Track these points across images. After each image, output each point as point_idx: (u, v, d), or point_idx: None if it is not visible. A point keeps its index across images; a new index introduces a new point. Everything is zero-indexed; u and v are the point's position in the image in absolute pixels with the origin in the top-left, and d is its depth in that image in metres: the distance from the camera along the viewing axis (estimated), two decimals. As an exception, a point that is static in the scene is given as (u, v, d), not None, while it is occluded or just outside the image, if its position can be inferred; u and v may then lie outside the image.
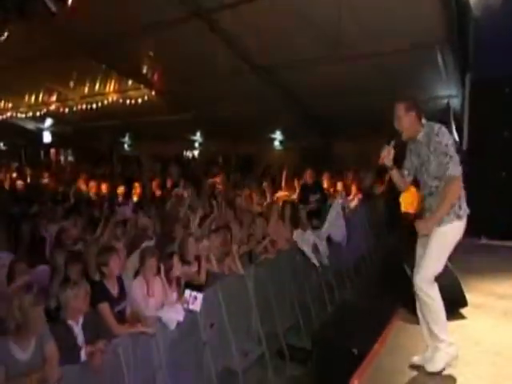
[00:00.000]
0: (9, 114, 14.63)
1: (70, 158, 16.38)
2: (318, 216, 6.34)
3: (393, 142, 2.89)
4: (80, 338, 3.03)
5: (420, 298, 2.88)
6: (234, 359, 3.99)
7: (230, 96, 9.60)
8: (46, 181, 10.13)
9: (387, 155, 2.86)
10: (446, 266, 4.01)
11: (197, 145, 14.19)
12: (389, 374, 2.95)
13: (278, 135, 12.12)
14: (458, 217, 2.77)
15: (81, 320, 3.08)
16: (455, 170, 2.67)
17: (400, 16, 5.86)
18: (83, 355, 2.85)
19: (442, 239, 2.78)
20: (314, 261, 5.26)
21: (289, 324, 4.90)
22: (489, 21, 5.58)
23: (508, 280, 4.59)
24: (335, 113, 9.33)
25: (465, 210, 2.81)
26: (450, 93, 7.80)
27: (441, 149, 2.69)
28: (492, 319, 3.73)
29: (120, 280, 3.61)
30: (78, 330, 3.05)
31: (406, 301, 3.98)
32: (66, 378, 2.69)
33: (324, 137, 10.88)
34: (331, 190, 7.62)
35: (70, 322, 3.01)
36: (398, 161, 2.93)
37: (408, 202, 7.00)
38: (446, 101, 7.66)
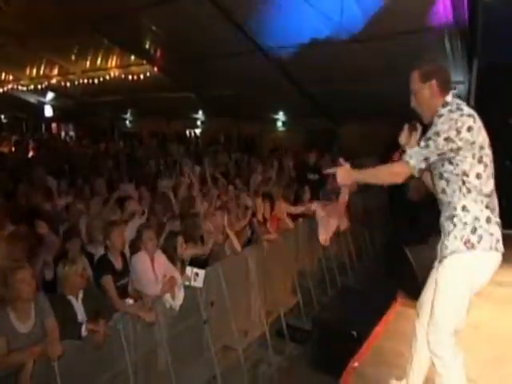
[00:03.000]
0: (10, 86, 14.35)
1: (71, 133, 16.17)
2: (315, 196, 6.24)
3: (417, 125, 2.20)
4: (80, 314, 3.00)
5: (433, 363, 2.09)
6: (234, 338, 3.98)
7: (233, 75, 9.39)
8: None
9: (404, 135, 2.21)
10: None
11: (199, 123, 14.00)
12: (388, 357, 2.94)
13: (281, 116, 11.93)
14: (471, 246, 1.91)
15: (80, 295, 3.04)
16: (415, 158, 1.95)
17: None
18: (84, 332, 2.81)
19: (447, 277, 1.99)
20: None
21: (290, 305, 4.89)
22: (498, 6, 5.39)
23: (507, 268, 4.56)
24: (340, 96, 9.15)
25: (486, 241, 1.90)
26: (457, 79, 7.62)
27: (428, 135, 1.96)
28: (491, 306, 3.70)
29: (124, 255, 3.56)
30: (77, 305, 3.02)
31: (407, 285, 3.97)
32: (66, 352, 2.65)
33: (328, 119, 10.71)
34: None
35: (69, 296, 2.97)
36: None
37: (413, 188, 6.97)
38: (452, 87, 7.47)
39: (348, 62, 7.41)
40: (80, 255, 3.54)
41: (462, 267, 1.95)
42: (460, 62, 7.05)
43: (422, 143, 1.95)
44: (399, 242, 4.86)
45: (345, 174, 2.10)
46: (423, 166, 1.95)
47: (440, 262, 2.04)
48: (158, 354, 3.43)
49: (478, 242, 1.90)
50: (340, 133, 10.67)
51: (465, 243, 1.92)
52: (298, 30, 7.02)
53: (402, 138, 2.22)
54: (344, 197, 5.06)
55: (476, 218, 1.92)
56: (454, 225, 1.96)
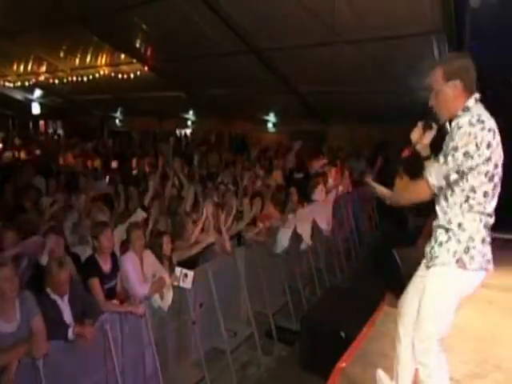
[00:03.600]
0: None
1: (60, 131, 15.94)
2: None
3: (433, 124, 2.03)
4: (66, 314, 2.96)
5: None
6: (223, 339, 3.97)
7: (224, 76, 9.39)
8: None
9: (416, 132, 2.05)
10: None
11: (189, 123, 13.95)
12: (376, 357, 2.96)
13: (271, 117, 11.96)
14: (462, 265, 1.87)
15: (67, 295, 2.99)
16: (435, 176, 1.86)
17: (397, 4, 5.72)
18: (70, 334, 2.77)
19: (435, 285, 1.96)
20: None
21: (278, 306, 4.91)
22: (485, 12, 5.48)
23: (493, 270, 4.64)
24: (329, 98, 9.22)
25: (477, 262, 1.86)
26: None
27: (447, 150, 1.83)
28: (477, 307, 3.76)
29: (114, 256, 3.52)
30: (63, 305, 2.97)
31: (394, 286, 4.01)
32: (53, 353, 2.62)
33: (318, 121, 10.77)
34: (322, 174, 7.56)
35: (54, 296, 2.93)
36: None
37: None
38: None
39: (338, 63, 7.47)
40: (65, 255, 3.48)
41: (450, 280, 1.93)
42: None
43: (441, 159, 1.85)
44: (387, 243, 4.92)
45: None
46: (443, 184, 1.86)
47: (428, 268, 2.01)
48: (145, 356, 3.40)
49: (470, 264, 1.86)
50: (329, 134, 10.75)
51: (457, 261, 1.88)
52: (289, 31, 7.06)
53: (414, 136, 2.07)
54: None
55: (471, 238, 1.87)
56: (449, 238, 1.91)
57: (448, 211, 1.91)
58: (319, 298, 5.16)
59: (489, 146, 1.78)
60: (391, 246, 4.32)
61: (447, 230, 1.91)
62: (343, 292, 4.87)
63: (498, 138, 1.84)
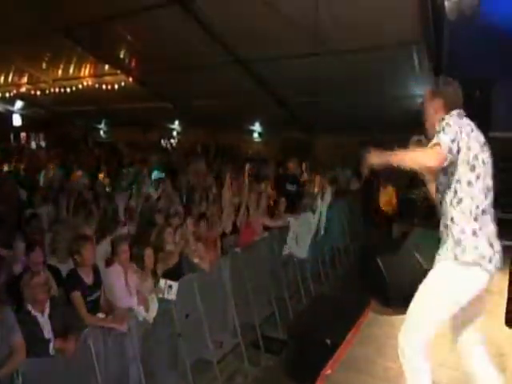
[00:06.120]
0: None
1: (42, 143, 15.72)
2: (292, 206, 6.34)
3: (421, 138, 2.22)
4: (47, 330, 2.92)
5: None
6: (209, 350, 3.96)
7: (210, 86, 9.46)
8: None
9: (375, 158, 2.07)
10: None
11: (175, 134, 13.97)
12: (361, 363, 3.00)
13: (257, 127, 12.08)
14: (454, 257, 1.94)
15: (47, 310, 2.96)
16: (443, 139, 1.89)
17: (378, 14, 5.91)
18: (51, 350, 2.73)
19: (432, 282, 2.02)
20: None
21: (264, 315, 4.92)
22: (463, 24, 5.70)
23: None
24: (314, 107, 9.37)
25: (469, 254, 1.92)
26: (423, 92, 7.95)
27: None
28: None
29: (95, 268, 3.50)
30: (43, 320, 2.94)
31: (378, 293, 4.08)
32: (33, 370, 2.58)
33: (304, 131, 10.92)
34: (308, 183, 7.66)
35: (34, 312, 2.90)
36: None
37: (385, 200, 7.22)
38: (420, 100, 7.81)
39: (323, 74, 7.63)
40: (43, 268, 3.44)
41: (446, 276, 1.98)
42: (427, 75, 7.39)
43: (435, 138, 1.93)
44: (372, 251, 5.01)
45: (376, 155, 2.02)
46: (454, 147, 1.89)
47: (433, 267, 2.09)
48: (130, 370, 3.36)
49: (462, 256, 1.92)
50: (315, 144, 10.91)
51: (452, 256, 1.95)
52: (275, 42, 7.19)
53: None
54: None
55: (462, 231, 1.95)
56: (447, 235, 2.01)
57: (445, 211, 2.03)
58: (305, 306, 5.19)
59: (468, 133, 1.95)
60: (376, 254, 4.41)
61: (446, 228, 2.02)
62: (329, 300, 4.91)
63: (476, 132, 2.02)
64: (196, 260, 4.21)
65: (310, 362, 3.60)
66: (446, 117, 2.02)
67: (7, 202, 5.13)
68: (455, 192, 1.98)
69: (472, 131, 1.99)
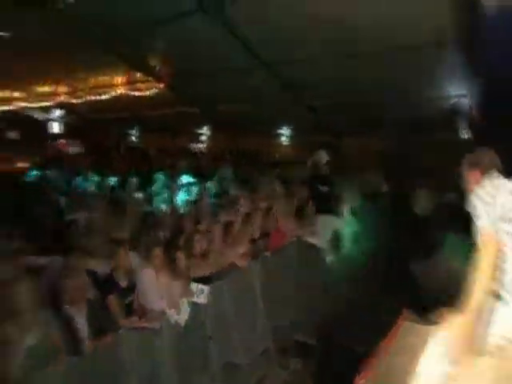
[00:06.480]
0: (18, 104, 14.64)
1: (78, 150, 16.34)
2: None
3: None
4: (83, 330, 3.05)
5: None
6: (239, 353, 3.99)
7: (237, 90, 9.55)
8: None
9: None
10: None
11: (204, 138, 14.16)
12: (395, 373, 2.92)
13: (284, 130, 12.07)
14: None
15: (84, 312, 3.08)
16: (480, 223, 2.07)
17: (412, 13, 5.76)
18: (86, 349, 2.84)
19: None
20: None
21: (294, 319, 4.89)
22: (501, 21, 5.49)
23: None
24: (341, 109, 9.25)
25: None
26: (459, 92, 7.70)
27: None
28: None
29: (130, 272, 3.61)
30: (80, 321, 3.07)
31: (412, 300, 3.97)
32: (68, 369, 2.68)
33: (331, 134, 10.80)
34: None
35: (71, 312, 3.02)
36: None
37: (419, 203, 6.92)
38: (455, 100, 7.58)
39: (349, 76, 7.53)
40: (82, 272, 3.58)
41: None
42: (463, 75, 7.15)
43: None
44: (405, 257, 4.88)
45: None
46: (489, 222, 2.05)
47: None
48: (161, 371, 3.43)
49: None
50: (341, 146, 10.76)
51: None
52: (300, 44, 7.17)
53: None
54: None
55: None
56: None
57: None
58: (335, 311, 5.11)
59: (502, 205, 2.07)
60: (409, 260, 4.30)
61: None
62: (361, 306, 4.82)
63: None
64: (227, 264, 4.25)
65: (339, 369, 3.55)
66: (479, 190, 2.13)
67: (46, 209, 5.37)
68: None
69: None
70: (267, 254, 4.71)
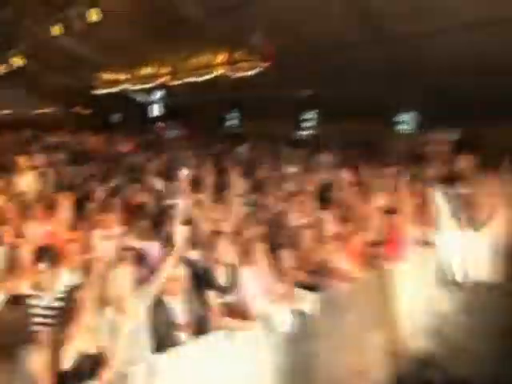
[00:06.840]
0: (121, 86, 16.23)
1: (178, 133, 17.31)
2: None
3: None
4: (180, 322, 3.16)
5: None
6: (345, 377, 3.74)
7: (351, 71, 9.10)
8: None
9: None
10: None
11: (310, 125, 13.93)
12: None
13: (405, 118, 11.26)
14: None
15: (181, 303, 3.20)
16: None
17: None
18: (182, 341, 3.01)
19: None
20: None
21: (419, 348, 4.43)
22: None
23: None
24: (484, 95, 8.18)
25: None
26: None
27: None
28: None
29: (232, 268, 3.62)
30: (178, 312, 3.18)
31: None
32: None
33: (469, 124, 9.68)
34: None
35: (169, 304, 3.15)
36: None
37: None
38: None
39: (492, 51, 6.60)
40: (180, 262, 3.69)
41: None
42: None
43: None
44: None
45: None
46: None
47: None
48: (256, 377, 3.37)
49: None
50: (486, 138, 9.54)
51: None
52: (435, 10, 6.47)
53: None
54: None
55: None
56: None
57: None
58: (480, 349, 4.42)
59: None
60: None
61: None
62: None
63: None
64: (339, 268, 4.03)
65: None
66: None
67: (147, 194, 5.75)
68: None
69: None
70: (391, 266, 4.30)
